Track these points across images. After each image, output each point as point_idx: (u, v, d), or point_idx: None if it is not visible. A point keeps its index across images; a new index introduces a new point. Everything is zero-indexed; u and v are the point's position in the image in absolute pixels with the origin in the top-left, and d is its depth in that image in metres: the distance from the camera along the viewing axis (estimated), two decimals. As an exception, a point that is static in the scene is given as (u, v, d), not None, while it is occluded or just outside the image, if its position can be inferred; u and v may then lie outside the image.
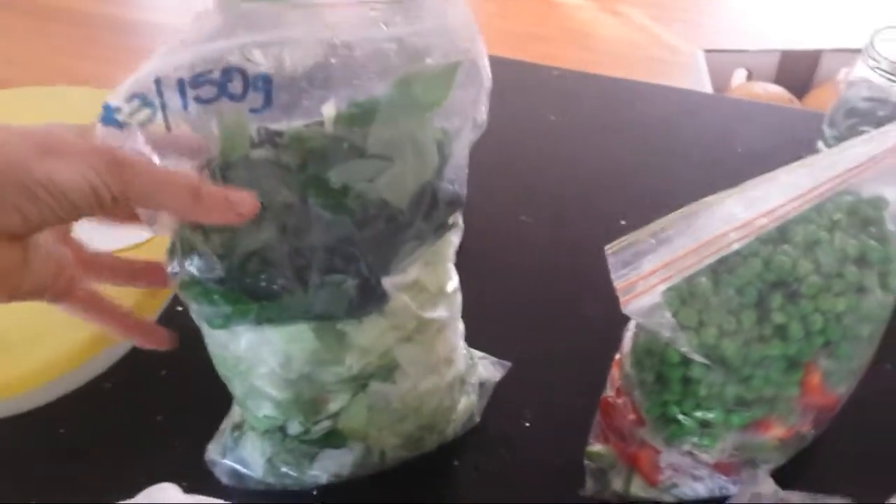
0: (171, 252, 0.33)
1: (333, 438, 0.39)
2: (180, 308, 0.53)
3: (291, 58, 0.32)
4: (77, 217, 0.30)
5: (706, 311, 0.34)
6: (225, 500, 0.35)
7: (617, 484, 0.41)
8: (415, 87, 0.33)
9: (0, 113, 0.56)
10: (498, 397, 0.46)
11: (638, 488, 0.41)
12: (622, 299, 0.32)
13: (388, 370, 0.37)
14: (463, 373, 0.43)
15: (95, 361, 0.48)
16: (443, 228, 0.36)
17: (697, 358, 0.34)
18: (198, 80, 0.31)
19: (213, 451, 0.42)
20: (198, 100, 0.31)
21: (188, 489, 0.33)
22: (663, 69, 1.88)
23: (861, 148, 0.36)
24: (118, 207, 0.31)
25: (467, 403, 0.44)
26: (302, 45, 0.32)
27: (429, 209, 0.35)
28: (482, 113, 0.35)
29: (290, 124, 0.33)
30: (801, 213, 0.34)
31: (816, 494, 0.37)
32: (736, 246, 0.33)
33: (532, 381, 0.48)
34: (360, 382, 0.37)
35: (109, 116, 0.31)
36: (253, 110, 0.32)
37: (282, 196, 0.32)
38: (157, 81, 0.31)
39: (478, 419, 0.46)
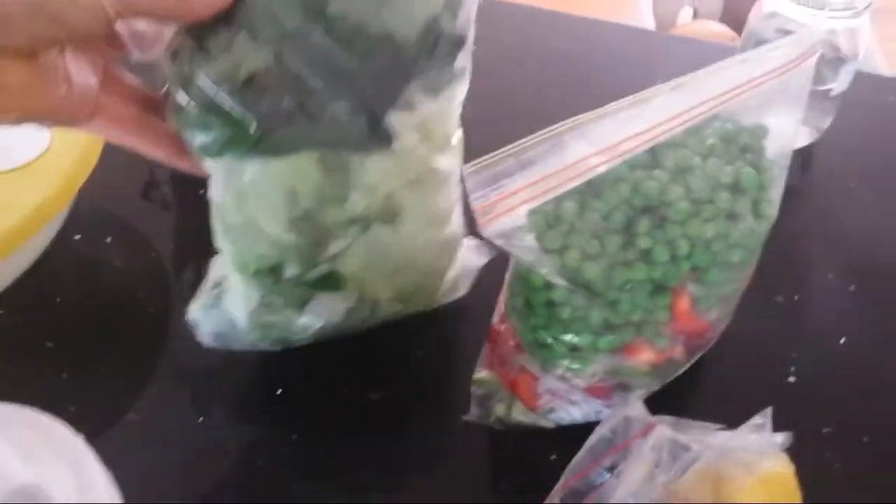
0: (169, 81, 0.33)
1: (330, 282, 0.39)
2: (78, 237, 0.52)
3: None
4: (80, 38, 0.30)
5: (570, 235, 0.34)
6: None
7: (500, 410, 0.42)
8: None
9: None
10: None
11: (518, 413, 0.41)
12: (480, 220, 0.31)
13: (391, 213, 0.37)
14: (457, 235, 0.44)
15: None
16: (449, 70, 0.36)
17: (559, 282, 0.34)
18: None
19: (194, 311, 0.42)
20: None
21: (71, 418, 0.32)
22: (610, 4, 1.86)
23: (739, 69, 0.35)
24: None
25: (455, 273, 0.45)
26: None
27: (433, 47, 0.34)
28: None
29: None
30: (673, 138, 0.34)
31: (686, 420, 0.37)
32: (602, 169, 0.32)
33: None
34: (362, 225, 0.37)
35: None
36: None
37: (283, 21, 0.31)
38: None
39: (462, 292, 0.47)
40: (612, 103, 0.33)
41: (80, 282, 0.50)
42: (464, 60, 0.37)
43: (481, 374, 0.43)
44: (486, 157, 0.31)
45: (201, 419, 0.43)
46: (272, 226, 0.36)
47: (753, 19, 0.56)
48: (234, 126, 0.33)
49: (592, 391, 0.39)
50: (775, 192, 0.37)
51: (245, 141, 0.33)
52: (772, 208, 0.37)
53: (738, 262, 0.36)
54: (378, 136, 0.35)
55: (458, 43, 0.36)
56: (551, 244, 0.33)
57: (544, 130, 0.32)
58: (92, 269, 0.51)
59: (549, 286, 0.34)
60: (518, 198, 0.32)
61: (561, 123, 0.32)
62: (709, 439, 0.36)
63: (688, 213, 0.34)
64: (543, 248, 0.33)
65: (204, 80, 0.32)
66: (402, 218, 0.38)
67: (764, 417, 0.37)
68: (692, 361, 0.41)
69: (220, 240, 0.39)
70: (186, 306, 0.42)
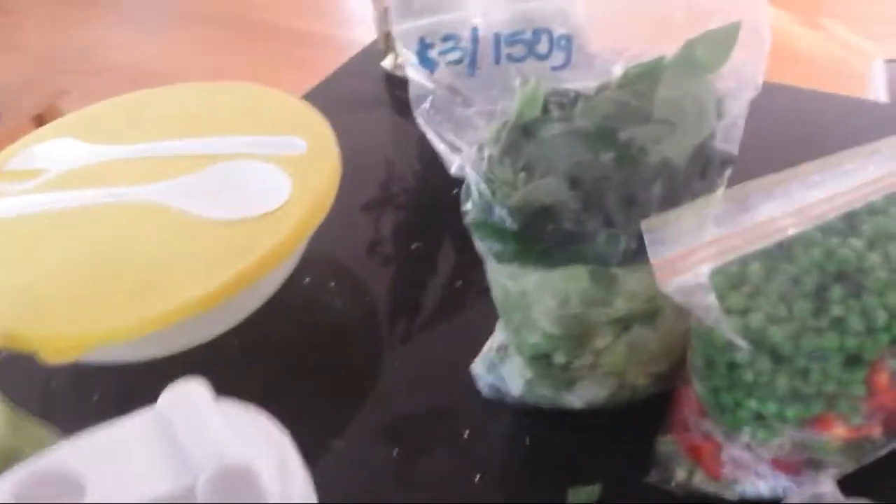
0: (466, 195, 0.39)
1: (592, 372, 0.43)
2: (307, 280, 0.57)
3: (594, 17, 0.38)
4: None
5: (755, 297, 0.33)
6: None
7: (681, 475, 0.41)
8: (699, 49, 0.37)
9: (166, 105, 0.61)
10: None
11: (700, 481, 0.40)
12: (660, 276, 0.32)
13: (650, 315, 0.40)
14: None
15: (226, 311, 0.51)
16: (714, 186, 0.39)
17: (742, 343, 0.33)
18: (512, 39, 0.37)
19: (477, 367, 0.47)
20: (509, 58, 0.37)
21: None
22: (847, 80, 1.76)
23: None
24: None
25: None
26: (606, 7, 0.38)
27: (704, 168, 0.38)
28: (760, 73, 0.38)
29: (582, 84, 0.38)
30: (872, 204, 0.33)
31: (885, 505, 0.35)
32: (791, 231, 0.32)
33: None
34: (624, 325, 0.40)
35: (423, 51, 0.37)
36: (553, 68, 0.38)
37: (573, 153, 0.36)
38: (475, 30, 0.37)
39: None
40: (802, 165, 0.33)
41: (305, 321, 0.56)
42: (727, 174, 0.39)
43: (666, 436, 0.42)
44: (667, 214, 0.32)
45: (396, 452, 0.46)
46: (545, 321, 0.40)
47: None
48: (524, 243, 0.38)
49: (780, 465, 0.37)
50: None
51: (531, 255, 0.38)
52: None
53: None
54: (644, 252, 0.36)
55: (728, 162, 0.38)
56: (734, 305, 0.33)
57: (730, 189, 0.33)
58: (316, 310, 0.57)
59: (731, 346, 0.34)
60: (700, 255, 0.32)
61: (747, 182, 0.33)
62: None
63: (886, 282, 0.33)
64: (725, 308, 0.33)
65: (502, 210, 0.37)
66: (661, 317, 0.40)
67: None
68: (895, 444, 0.39)
69: (504, 323, 0.44)
70: (395, 349, 0.46)
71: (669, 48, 0.38)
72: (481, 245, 0.41)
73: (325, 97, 0.75)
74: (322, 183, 0.51)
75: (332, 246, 0.59)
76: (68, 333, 0.43)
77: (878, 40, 1.97)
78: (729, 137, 0.38)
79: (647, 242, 0.32)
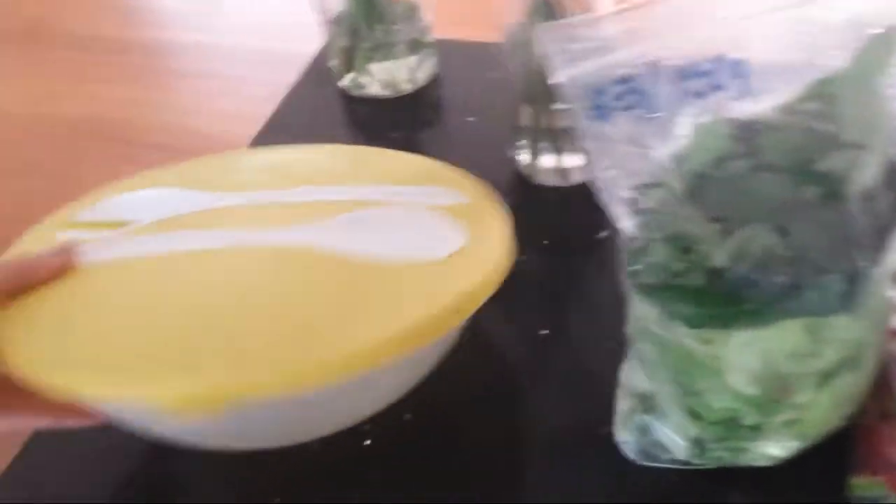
0: (630, 255, 0.34)
1: (786, 428, 0.38)
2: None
3: (764, 38, 0.33)
4: None
5: None
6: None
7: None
8: (865, 58, 0.33)
9: (268, 173, 0.52)
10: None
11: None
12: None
13: (856, 360, 0.36)
14: None
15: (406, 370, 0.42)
16: None
17: None
18: (693, 72, 0.32)
19: (622, 434, 0.43)
20: (693, 94, 0.33)
21: None
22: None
23: None
24: None
25: None
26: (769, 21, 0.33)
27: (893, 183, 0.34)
28: None
29: (753, 109, 0.33)
30: None
31: None
32: None
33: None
34: (829, 375, 0.36)
35: (596, 98, 0.31)
36: (731, 98, 0.33)
37: (772, 193, 0.32)
38: (653, 66, 0.32)
39: None
40: None
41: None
42: None
43: (863, 477, 0.39)
44: None
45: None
46: (740, 383, 0.35)
47: None
48: (729, 305, 0.33)
49: None
50: None
51: (737, 317, 0.33)
52: None
53: None
54: (858, 294, 0.33)
55: None
56: None
57: None
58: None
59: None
60: None
61: None
62: None
63: None
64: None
65: (699, 270, 0.33)
66: (864, 360, 0.37)
67: None
68: None
69: (669, 386, 0.39)
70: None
71: (829, 59, 0.34)
72: (658, 309, 0.35)
73: (285, 124, 0.68)
74: (502, 225, 0.44)
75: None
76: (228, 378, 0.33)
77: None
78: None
79: None
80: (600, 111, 0.31)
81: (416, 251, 0.41)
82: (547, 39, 0.30)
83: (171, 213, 0.46)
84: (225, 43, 2.03)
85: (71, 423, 0.39)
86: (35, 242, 0.45)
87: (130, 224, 0.45)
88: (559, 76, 0.31)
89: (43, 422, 0.39)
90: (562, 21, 0.30)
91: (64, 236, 0.45)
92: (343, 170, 0.52)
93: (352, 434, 0.43)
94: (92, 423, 0.39)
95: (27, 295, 0.38)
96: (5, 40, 2.16)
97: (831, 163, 0.33)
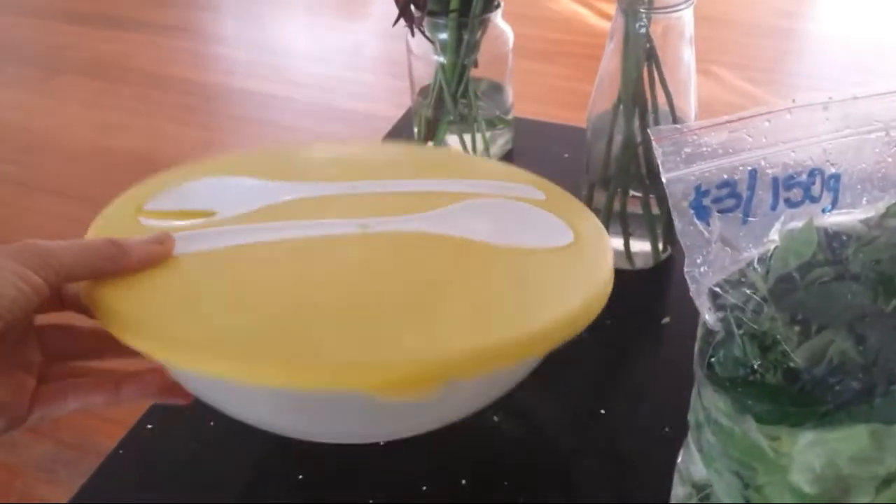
0: (709, 346, 0.36)
1: None
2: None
3: (856, 155, 0.35)
4: (19, 318, 0.32)
5: None
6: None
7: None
8: None
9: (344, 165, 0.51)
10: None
11: None
12: None
13: None
14: None
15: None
16: None
17: None
18: (790, 182, 0.34)
19: None
20: (787, 202, 0.34)
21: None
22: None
23: None
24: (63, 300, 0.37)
25: None
26: (862, 141, 0.35)
27: None
28: None
29: (845, 221, 0.35)
30: None
31: None
32: None
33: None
34: (887, 479, 0.37)
35: (698, 200, 0.33)
36: (823, 210, 0.35)
37: (853, 302, 0.33)
38: (753, 174, 0.33)
39: None
40: None
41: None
42: None
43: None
44: None
45: None
46: (802, 481, 0.36)
47: None
48: (802, 405, 0.34)
49: None
50: None
51: (809, 417, 0.34)
52: None
53: None
54: None
55: None
56: None
57: None
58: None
59: None
60: None
61: None
62: None
63: None
64: None
65: (777, 368, 0.34)
66: None
67: None
68: None
69: (729, 477, 0.39)
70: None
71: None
72: (731, 402, 0.37)
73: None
74: (595, 222, 0.46)
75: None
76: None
77: (760, 85, 2.10)
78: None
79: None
80: (700, 210, 0.33)
81: (534, 240, 0.42)
82: (659, 141, 0.33)
83: (260, 203, 0.44)
84: (286, 94, 2.11)
85: (177, 400, 0.39)
86: (108, 228, 0.42)
87: (215, 214, 0.43)
88: (667, 175, 0.33)
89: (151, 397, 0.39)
90: (673, 126, 0.33)
91: (149, 223, 0.42)
92: (429, 164, 0.52)
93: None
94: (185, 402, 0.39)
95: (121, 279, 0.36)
96: (78, 72, 2.26)
97: None
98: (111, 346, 0.35)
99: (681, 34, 0.53)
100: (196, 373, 0.34)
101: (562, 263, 0.41)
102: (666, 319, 0.57)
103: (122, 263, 0.36)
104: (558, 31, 2.28)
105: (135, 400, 0.38)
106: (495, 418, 0.50)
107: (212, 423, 0.49)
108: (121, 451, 0.49)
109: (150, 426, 0.50)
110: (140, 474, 0.48)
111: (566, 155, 0.72)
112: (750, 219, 0.34)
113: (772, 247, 0.35)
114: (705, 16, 2.32)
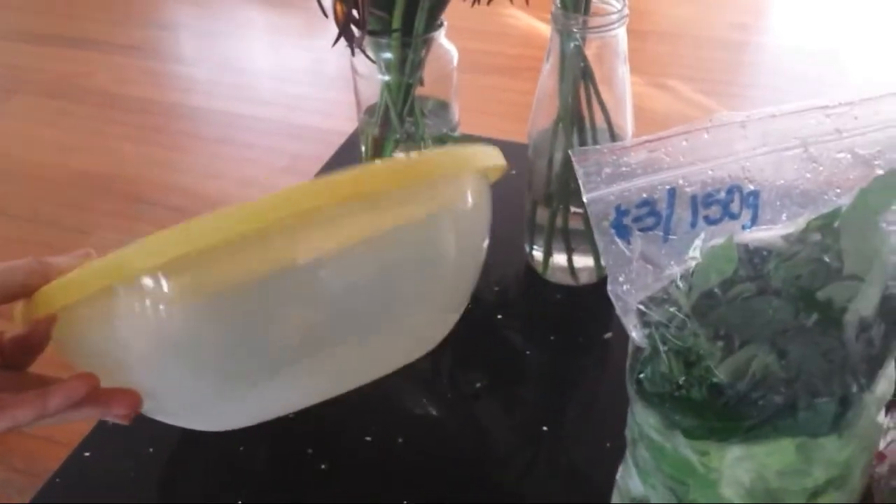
0: (637, 363, 0.36)
1: None
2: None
3: (775, 172, 0.35)
4: None
5: None
6: None
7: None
8: (870, 196, 0.35)
9: None
10: None
11: None
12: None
13: (843, 479, 0.38)
14: None
15: None
16: None
17: None
18: (708, 200, 0.34)
19: None
20: (707, 220, 0.35)
21: None
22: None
23: None
24: None
25: None
26: (780, 158, 0.35)
27: (891, 317, 0.36)
28: None
29: (766, 237, 0.36)
30: None
31: None
32: None
33: None
34: (817, 493, 0.37)
35: (619, 220, 0.34)
36: (743, 227, 0.36)
37: (775, 317, 0.34)
38: (672, 192, 0.34)
39: None
40: None
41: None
42: None
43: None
44: None
45: None
46: (732, 495, 0.37)
47: None
48: (727, 419, 0.35)
49: None
50: None
51: (735, 432, 0.35)
52: None
53: None
54: (850, 419, 0.35)
55: None
56: None
57: None
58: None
59: None
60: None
61: None
62: None
63: None
64: None
65: (701, 384, 0.35)
66: (851, 479, 0.38)
67: None
68: None
69: (662, 490, 0.40)
70: None
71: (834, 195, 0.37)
72: (660, 418, 0.37)
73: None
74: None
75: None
76: None
77: (715, 97, 2.13)
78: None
79: None
80: (621, 229, 0.34)
81: None
82: (580, 162, 0.33)
83: None
84: (247, 112, 2.10)
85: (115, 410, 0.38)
86: None
87: None
88: (588, 195, 0.33)
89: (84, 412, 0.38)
90: (594, 147, 0.33)
91: None
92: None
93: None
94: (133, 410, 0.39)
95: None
96: (36, 92, 2.23)
97: (831, 292, 0.35)
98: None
99: (615, 52, 0.54)
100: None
101: None
102: (609, 335, 0.57)
103: (50, 277, 0.37)
104: (518, 46, 2.29)
105: (64, 411, 0.36)
106: (435, 434, 0.51)
107: (150, 450, 0.49)
108: (58, 480, 0.48)
109: (87, 454, 0.49)
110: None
111: (513, 171, 0.73)
112: (670, 237, 0.35)
113: (693, 264, 0.36)
114: (660, 30, 2.36)
